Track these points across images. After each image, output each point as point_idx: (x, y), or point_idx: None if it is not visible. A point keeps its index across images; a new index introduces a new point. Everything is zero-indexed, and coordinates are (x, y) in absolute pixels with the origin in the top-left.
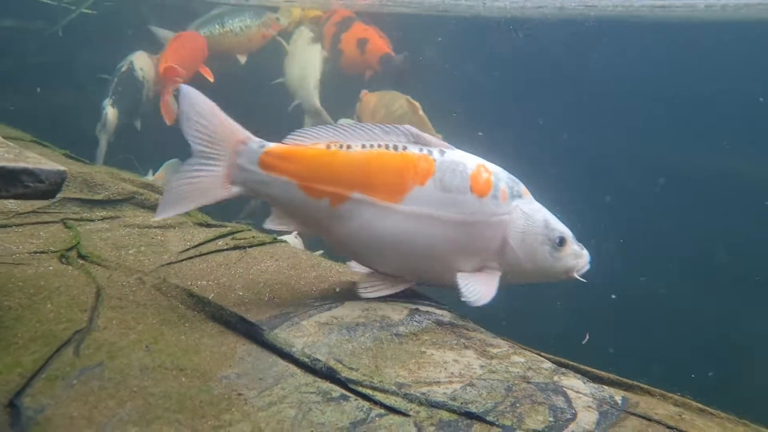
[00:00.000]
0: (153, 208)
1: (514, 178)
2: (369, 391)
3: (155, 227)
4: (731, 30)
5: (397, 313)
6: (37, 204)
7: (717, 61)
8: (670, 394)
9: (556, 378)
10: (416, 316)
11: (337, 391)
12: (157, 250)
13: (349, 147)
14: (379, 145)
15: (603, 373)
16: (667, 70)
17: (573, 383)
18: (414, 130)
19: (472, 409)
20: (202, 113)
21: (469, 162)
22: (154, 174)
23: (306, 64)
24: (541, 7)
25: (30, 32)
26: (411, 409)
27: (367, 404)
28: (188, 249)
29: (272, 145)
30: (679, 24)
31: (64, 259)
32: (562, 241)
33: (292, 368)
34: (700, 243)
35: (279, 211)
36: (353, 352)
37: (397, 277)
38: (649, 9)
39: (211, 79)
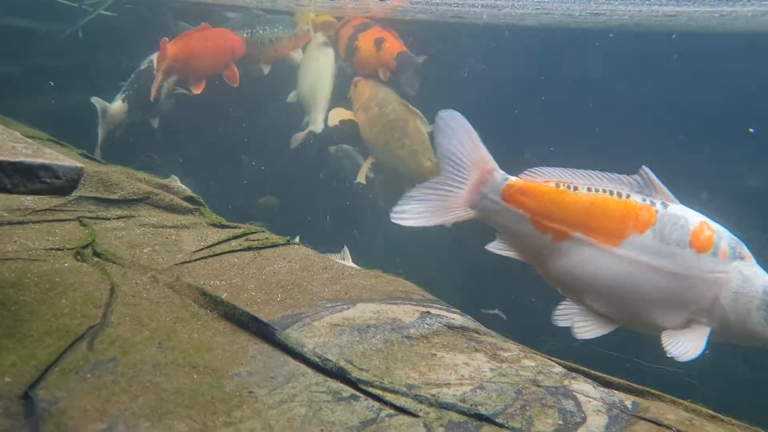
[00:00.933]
0: (168, 208)
1: (738, 239)
2: (379, 392)
3: (170, 227)
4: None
5: (408, 315)
6: (54, 202)
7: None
8: (680, 400)
9: (566, 382)
10: (427, 318)
11: (347, 391)
12: (171, 249)
13: (576, 188)
14: (604, 190)
15: (614, 379)
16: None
17: (583, 387)
18: (645, 176)
19: (482, 411)
20: (461, 139)
21: (691, 217)
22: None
23: (318, 78)
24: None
25: (48, 34)
26: (420, 410)
27: (377, 404)
28: (202, 249)
29: (513, 179)
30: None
31: (79, 257)
32: None
33: (303, 368)
34: None
35: (504, 238)
36: (364, 353)
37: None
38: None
39: (236, 84)
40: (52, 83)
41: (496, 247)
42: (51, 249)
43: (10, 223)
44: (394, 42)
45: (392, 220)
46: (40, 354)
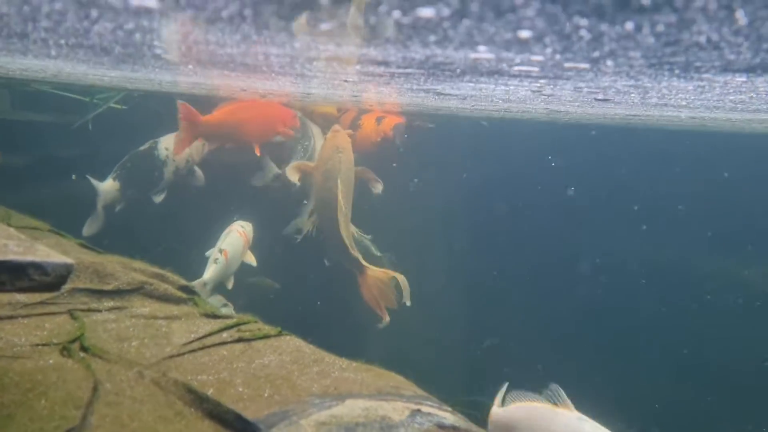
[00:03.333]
0: (162, 298)
1: None
2: None
3: (161, 318)
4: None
5: (398, 413)
6: (46, 295)
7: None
8: None
9: None
10: (417, 417)
11: None
12: (160, 342)
13: None
14: None
15: None
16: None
17: None
18: (555, 391)
19: None
20: None
21: None
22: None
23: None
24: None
25: (59, 126)
26: None
27: None
28: (192, 341)
29: None
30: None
31: (65, 352)
32: None
33: None
34: None
35: None
36: None
37: None
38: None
39: (259, 153)
40: (74, 177)
41: None
42: (37, 345)
43: None
44: (394, 117)
45: None
46: None
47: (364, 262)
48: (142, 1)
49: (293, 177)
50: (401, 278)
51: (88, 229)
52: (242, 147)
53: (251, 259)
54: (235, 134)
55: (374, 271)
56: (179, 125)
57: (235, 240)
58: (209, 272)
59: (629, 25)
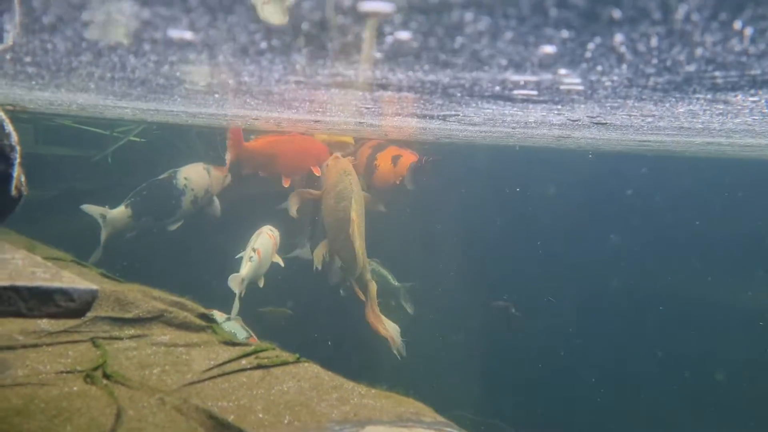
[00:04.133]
0: (181, 326)
1: None
2: None
3: (181, 345)
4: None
5: None
6: (69, 323)
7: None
8: None
9: None
10: None
11: None
12: (181, 369)
13: None
14: None
15: None
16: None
17: None
18: None
19: None
20: None
21: None
22: (253, 248)
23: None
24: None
25: (80, 159)
26: None
27: None
28: (212, 368)
29: None
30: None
31: (88, 379)
32: None
33: None
34: None
35: None
36: None
37: None
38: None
39: (287, 184)
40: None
41: None
42: (61, 372)
43: (24, 347)
44: (409, 156)
45: None
46: None
47: (373, 292)
48: (182, 34)
49: (294, 206)
50: (393, 332)
51: (93, 258)
52: (274, 176)
53: (279, 260)
54: (271, 164)
55: (375, 308)
56: (227, 146)
57: (266, 241)
58: (245, 269)
59: None
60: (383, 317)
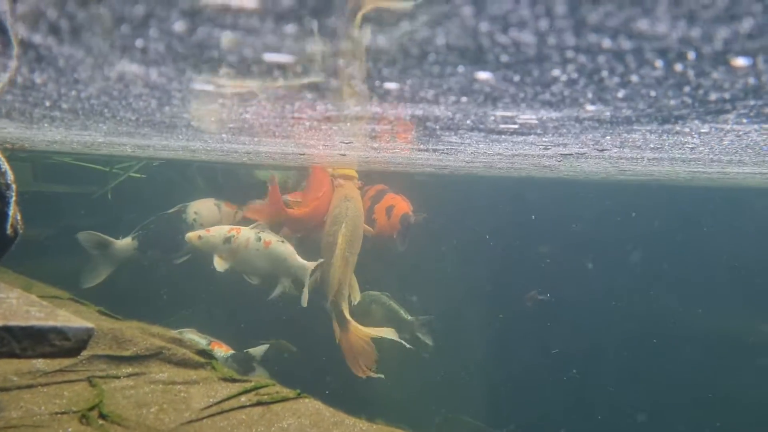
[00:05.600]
0: (180, 363)
1: None
2: None
3: (180, 383)
4: None
5: None
6: (65, 362)
7: None
8: None
9: None
10: None
11: None
12: (178, 408)
13: None
14: None
15: None
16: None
17: None
18: None
19: None
20: None
21: None
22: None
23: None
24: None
25: (80, 196)
26: None
27: None
28: (210, 406)
29: None
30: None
31: (84, 420)
32: None
33: None
34: None
35: None
36: None
37: None
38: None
39: None
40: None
41: None
42: (56, 413)
43: (18, 388)
44: (401, 206)
45: None
46: None
47: (348, 316)
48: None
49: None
50: (389, 333)
51: (86, 282)
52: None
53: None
54: (312, 227)
55: (357, 329)
56: (266, 199)
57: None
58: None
59: None
60: (367, 329)
